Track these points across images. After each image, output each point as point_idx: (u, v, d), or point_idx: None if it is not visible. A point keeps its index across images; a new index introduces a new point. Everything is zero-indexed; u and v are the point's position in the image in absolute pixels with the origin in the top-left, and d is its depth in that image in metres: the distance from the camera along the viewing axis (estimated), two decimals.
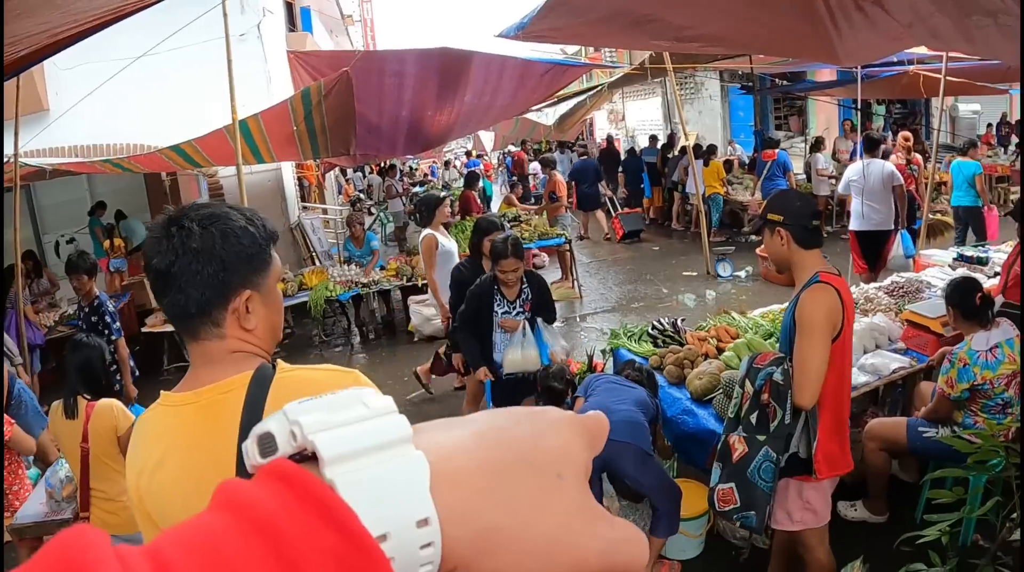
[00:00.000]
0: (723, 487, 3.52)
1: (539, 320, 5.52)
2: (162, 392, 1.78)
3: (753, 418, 3.38)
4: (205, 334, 1.71)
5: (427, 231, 7.69)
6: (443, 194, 10.71)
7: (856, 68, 15.34)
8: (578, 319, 10.87)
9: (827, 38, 4.87)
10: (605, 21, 5.04)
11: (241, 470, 1.59)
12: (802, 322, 3.33)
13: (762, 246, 3.59)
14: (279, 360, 1.79)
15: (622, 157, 20.09)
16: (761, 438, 3.37)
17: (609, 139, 22.34)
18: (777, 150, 13.56)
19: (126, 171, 9.89)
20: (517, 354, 5.36)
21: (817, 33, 4.80)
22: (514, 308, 5.45)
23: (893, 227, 9.29)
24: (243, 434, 1.61)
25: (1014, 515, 3.01)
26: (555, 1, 4.56)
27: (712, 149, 16.37)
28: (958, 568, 3.03)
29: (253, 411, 1.63)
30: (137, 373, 7.33)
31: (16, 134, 7.91)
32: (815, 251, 3.51)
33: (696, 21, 5.04)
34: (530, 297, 5.48)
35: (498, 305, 5.44)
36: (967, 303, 4.74)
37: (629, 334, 6.48)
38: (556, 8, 4.65)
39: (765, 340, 5.93)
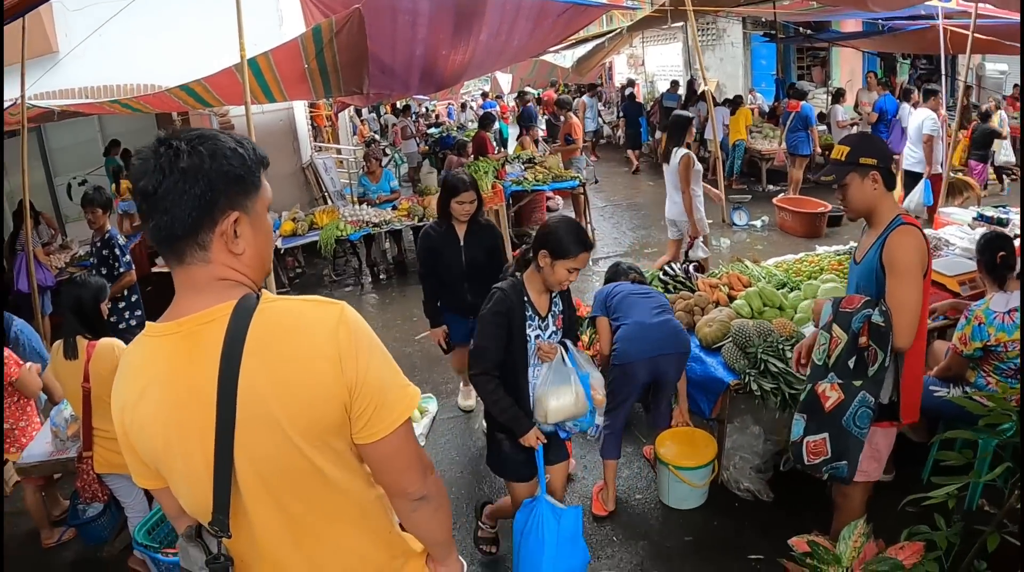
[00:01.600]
0: (814, 439, 3.41)
1: (567, 342, 3.91)
2: (147, 322, 1.76)
3: (851, 363, 3.28)
4: (191, 257, 1.67)
5: (683, 151, 7.89)
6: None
7: (881, 21, 15.11)
8: (591, 263, 10.72)
9: None
10: None
11: (222, 404, 1.60)
12: (896, 264, 3.32)
13: (848, 194, 3.39)
14: (264, 290, 1.77)
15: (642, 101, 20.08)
16: (858, 383, 3.29)
17: (631, 83, 22.06)
18: (801, 102, 13.27)
19: (136, 111, 9.79)
20: (567, 396, 3.70)
21: None
22: (546, 327, 3.85)
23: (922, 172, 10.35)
24: (224, 366, 1.62)
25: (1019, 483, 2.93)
26: None
27: (738, 99, 16.20)
28: (963, 533, 2.96)
29: (234, 342, 1.63)
30: (143, 315, 7.28)
31: (23, 76, 7.84)
32: (891, 194, 3.53)
33: None
34: (562, 309, 3.94)
35: (530, 325, 3.76)
36: (990, 258, 4.68)
37: (652, 277, 6.41)
38: None
39: (778, 289, 5.85)
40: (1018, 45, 14.06)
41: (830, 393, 3.33)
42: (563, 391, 3.69)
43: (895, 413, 3.48)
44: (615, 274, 5.41)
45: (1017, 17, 9.70)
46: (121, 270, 6.75)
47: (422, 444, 5.75)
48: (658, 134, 18.17)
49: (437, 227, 5.49)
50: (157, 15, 9.45)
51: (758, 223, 11.92)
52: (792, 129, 13.25)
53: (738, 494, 4.87)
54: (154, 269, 9.41)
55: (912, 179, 10.55)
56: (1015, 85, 16.42)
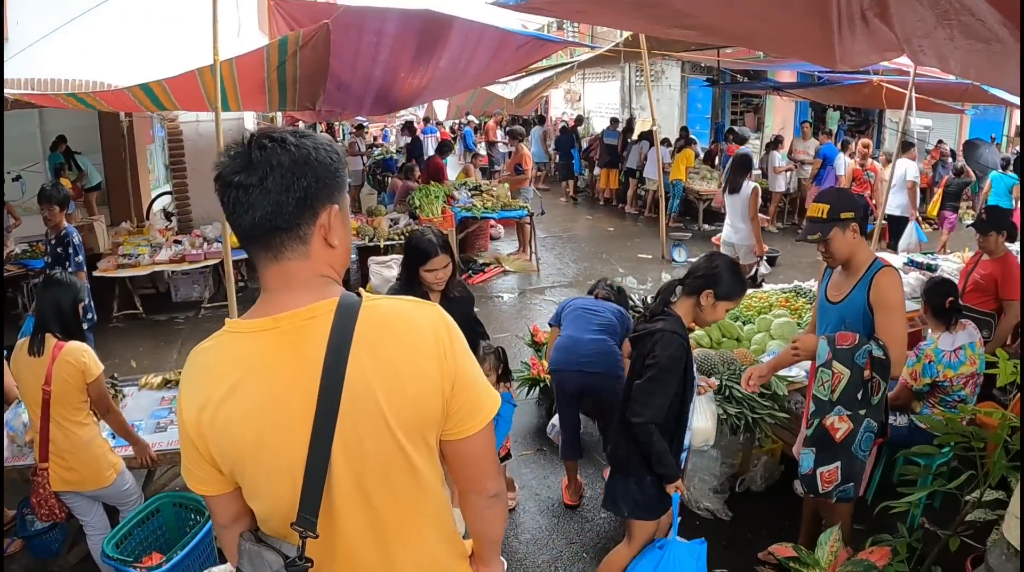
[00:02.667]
0: (827, 468, 3.66)
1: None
2: (227, 320, 1.75)
3: (859, 395, 3.55)
4: (290, 252, 1.68)
5: (752, 183, 8.95)
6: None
7: (816, 72, 15.72)
8: (538, 292, 10.99)
9: (830, 42, 5.02)
10: (613, 0, 5.12)
11: (324, 399, 1.62)
12: (887, 302, 3.63)
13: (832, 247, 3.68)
14: (362, 289, 1.79)
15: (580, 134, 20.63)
16: (863, 412, 3.58)
17: (579, 119, 22.55)
18: (740, 147, 13.89)
19: (91, 108, 9.67)
20: (708, 420, 4.28)
21: (823, 36, 4.93)
22: None
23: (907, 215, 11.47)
24: (329, 362, 1.63)
25: (974, 493, 3.26)
26: None
27: (692, 141, 16.74)
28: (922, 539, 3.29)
29: (342, 338, 1.64)
30: (95, 318, 7.22)
31: None
32: (865, 239, 3.83)
33: (704, 11, 5.12)
34: None
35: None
36: (938, 303, 5.08)
37: None
38: None
39: (734, 321, 6.18)
40: (947, 103, 14.87)
41: (839, 425, 3.60)
42: (710, 414, 4.32)
43: (884, 431, 3.75)
44: (592, 288, 5.69)
45: (950, 78, 10.30)
46: (71, 270, 6.55)
47: None
48: (597, 170, 18.66)
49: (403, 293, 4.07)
50: (113, 9, 9.32)
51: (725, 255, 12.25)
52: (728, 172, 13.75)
53: (698, 513, 5.11)
54: (94, 273, 9.17)
55: (893, 222, 11.66)
56: (938, 140, 17.27)
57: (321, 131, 25.48)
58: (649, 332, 3.56)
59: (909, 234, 11.31)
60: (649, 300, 6.41)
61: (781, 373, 5.20)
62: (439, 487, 1.87)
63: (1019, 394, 5.14)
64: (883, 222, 11.56)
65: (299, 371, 1.64)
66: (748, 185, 8.99)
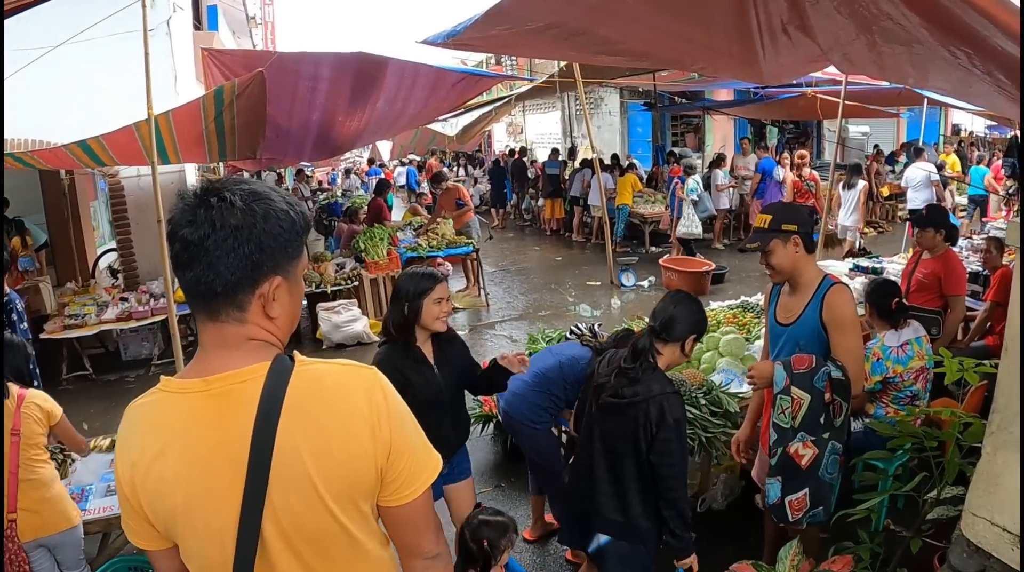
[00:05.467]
0: (795, 496, 3.55)
1: None
2: (162, 377, 1.71)
3: (821, 419, 3.46)
4: (225, 316, 1.64)
5: (863, 182, 12.75)
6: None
7: (752, 89, 16.07)
8: (486, 327, 10.96)
9: (754, 58, 5.09)
10: (537, 32, 5.11)
11: (254, 465, 1.58)
12: (841, 320, 3.55)
13: (773, 259, 3.67)
14: (296, 352, 1.74)
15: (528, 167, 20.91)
16: (827, 436, 3.50)
17: (523, 150, 22.72)
18: (681, 170, 14.15)
19: (28, 166, 9.54)
20: None
21: (746, 53, 5.01)
22: None
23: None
24: (259, 426, 1.60)
25: (932, 493, 3.28)
26: (495, 12, 4.58)
27: (631, 166, 17.00)
28: (884, 543, 3.29)
29: (271, 402, 1.61)
30: (40, 385, 7.08)
31: None
32: (813, 257, 3.77)
33: (627, 36, 5.18)
34: None
35: None
36: (884, 305, 5.11)
37: (548, 339, 6.60)
38: (496, 16, 4.69)
39: None
40: (882, 109, 15.27)
41: (803, 451, 3.50)
42: None
43: (847, 448, 3.73)
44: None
45: (881, 83, 10.57)
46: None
47: None
48: (541, 201, 18.82)
49: (396, 350, 3.96)
50: (48, 66, 9.22)
51: (645, 283, 12.42)
52: (674, 193, 13.93)
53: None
54: (41, 335, 9.04)
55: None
56: (875, 146, 17.66)
57: (266, 176, 25.47)
58: (645, 398, 3.27)
59: None
60: (597, 329, 6.41)
61: (732, 390, 5.23)
62: (379, 550, 1.83)
63: (971, 388, 5.18)
64: (829, 229, 11.89)
65: (228, 437, 1.61)
66: (860, 183, 12.60)
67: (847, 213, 12.76)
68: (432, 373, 3.97)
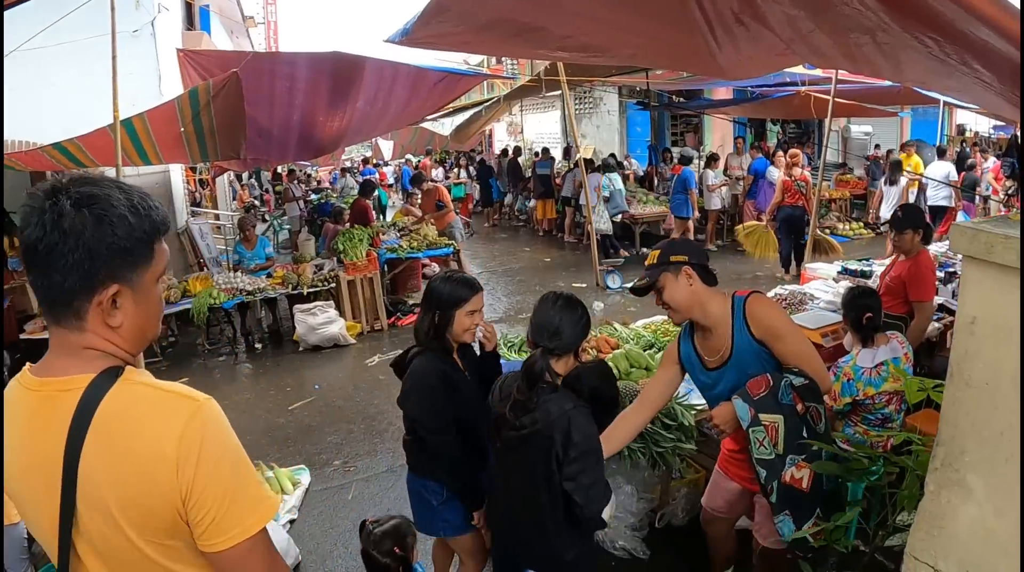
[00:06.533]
0: (810, 523, 3.29)
1: None
2: (27, 364, 1.68)
3: (804, 433, 3.23)
4: (66, 322, 1.59)
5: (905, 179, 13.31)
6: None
7: (750, 88, 15.94)
8: None
9: (705, 50, 4.90)
10: (488, 29, 4.98)
11: (65, 480, 1.53)
12: (773, 327, 3.33)
13: (665, 295, 3.37)
14: (129, 366, 1.66)
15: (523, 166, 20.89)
16: (816, 448, 3.23)
17: (517, 150, 22.64)
18: (683, 167, 13.99)
19: (8, 169, 9.47)
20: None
21: (696, 45, 4.82)
22: None
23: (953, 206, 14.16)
24: (69, 442, 1.53)
25: (888, 522, 3.10)
26: (434, 7, 4.44)
27: (619, 164, 16.91)
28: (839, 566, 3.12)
29: (80, 421, 1.54)
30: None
31: None
32: (715, 289, 3.47)
33: (576, 31, 5.01)
34: None
35: None
36: (855, 318, 4.80)
37: (509, 344, 6.43)
38: (437, 15, 4.54)
39: (645, 350, 5.97)
40: (880, 108, 15.15)
41: (799, 474, 3.25)
42: None
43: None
44: None
45: (876, 81, 10.41)
46: None
47: (294, 516, 5.66)
48: (532, 201, 18.70)
49: (438, 356, 3.62)
50: (30, 67, 9.16)
51: (631, 285, 12.24)
52: (673, 191, 13.83)
53: (614, 553, 4.88)
54: (22, 335, 9.00)
55: (938, 212, 13.96)
56: (876, 145, 17.51)
57: (267, 176, 25.45)
58: (545, 423, 2.97)
59: (960, 221, 12.67)
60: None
61: (688, 402, 5.02)
62: None
63: None
64: (818, 233, 11.69)
65: (48, 444, 1.56)
66: (903, 180, 13.33)
67: (890, 209, 12.71)
68: (468, 383, 3.69)
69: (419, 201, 14.04)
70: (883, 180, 13.79)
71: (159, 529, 1.59)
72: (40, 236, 1.50)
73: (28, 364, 1.68)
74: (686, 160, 14.37)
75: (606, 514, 3.02)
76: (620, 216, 14.91)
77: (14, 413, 1.64)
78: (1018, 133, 16.32)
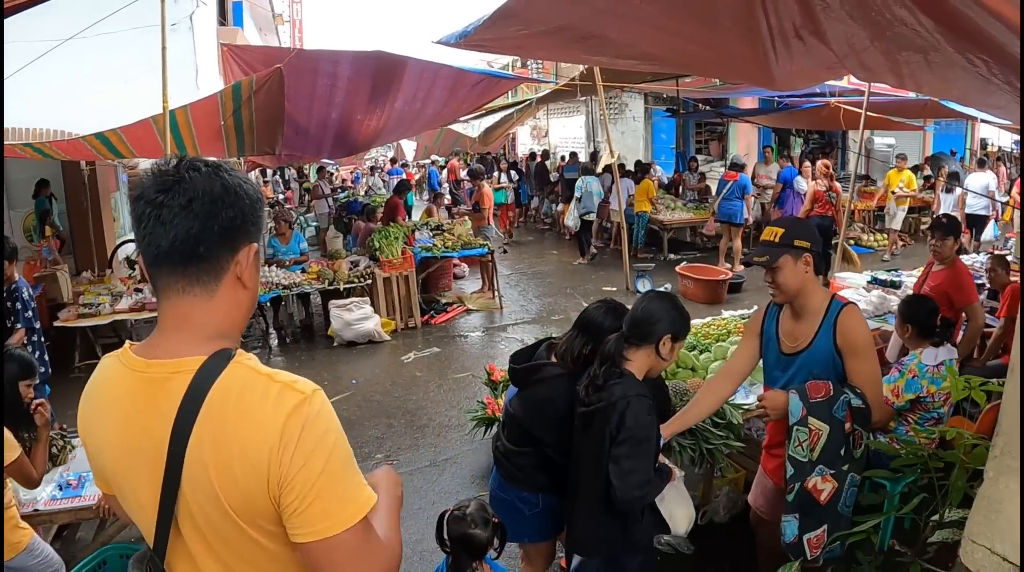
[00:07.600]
0: (814, 534, 3.31)
1: None
2: (127, 341, 1.72)
3: (842, 451, 3.26)
4: (199, 287, 1.61)
5: (960, 190, 13.49)
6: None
7: (776, 97, 15.97)
8: (501, 329, 10.92)
9: (765, 62, 4.99)
10: (550, 34, 5.06)
11: (171, 462, 1.57)
12: (857, 344, 3.34)
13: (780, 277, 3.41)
14: (239, 349, 1.67)
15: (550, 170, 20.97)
16: (846, 468, 3.28)
17: (545, 154, 22.68)
18: (739, 173, 13.95)
19: (47, 157, 9.60)
20: (687, 506, 3.63)
21: (756, 56, 4.92)
22: None
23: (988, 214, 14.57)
24: (178, 425, 1.56)
25: (935, 517, 3.18)
26: (503, 11, 4.51)
27: (646, 167, 16.95)
28: (882, 567, 3.17)
29: (191, 404, 1.56)
30: (49, 371, 7.08)
31: None
32: (819, 279, 3.54)
33: (638, 39, 5.11)
34: None
35: None
36: (928, 322, 4.89)
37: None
38: (504, 19, 4.62)
39: (689, 352, 6.10)
40: (906, 121, 15.19)
41: (823, 485, 3.26)
42: (684, 500, 3.61)
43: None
44: None
45: (906, 94, 10.47)
46: (18, 326, 6.45)
47: None
48: (559, 206, 18.75)
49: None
50: (71, 57, 9.25)
51: (661, 290, 12.31)
52: (728, 197, 13.84)
53: (659, 548, 4.96)
54: (55, 323, 9.12)
55: (976, 221, 14.50)
56: (897, 156, 17.59)
57: (292, 173, 25.58)
58: (609, 403, 3.07)
59: (990, 229, 14.35)
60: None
61: (736, 401, 5.12)
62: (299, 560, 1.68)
63: (985, 408, 5.00)
64: (846, 243, 11.72)
65: (153, 425, 1.59)
66: (958, 190, 14.32)
67: None
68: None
69: (446, 203, 14.15)
70: (942, 189, 14.89)
71: (260, 514, 1.61)
72: (194, 195, 1.55)
73: (129, 342, 1.70)
74: (738, 167, 14.36)
75: (682, 527, 3.12)
76: (590, 215, 15.35)
77: (113, 392, 1.67)
78: None
